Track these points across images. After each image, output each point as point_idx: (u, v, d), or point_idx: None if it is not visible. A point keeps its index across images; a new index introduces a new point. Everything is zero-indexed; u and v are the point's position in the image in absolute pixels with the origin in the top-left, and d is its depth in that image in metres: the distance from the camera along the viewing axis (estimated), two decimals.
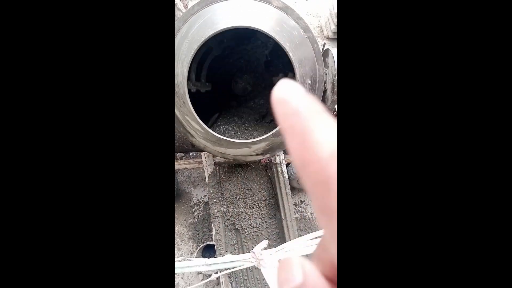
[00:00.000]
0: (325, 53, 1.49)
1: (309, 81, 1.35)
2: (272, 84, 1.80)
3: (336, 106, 1.96)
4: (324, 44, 1.67)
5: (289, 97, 0.16)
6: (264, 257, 1.01)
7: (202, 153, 1.90)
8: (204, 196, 2.30)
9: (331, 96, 1.50)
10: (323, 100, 1.57)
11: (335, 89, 1.45)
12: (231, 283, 1.72)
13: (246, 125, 1.78)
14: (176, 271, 1.05)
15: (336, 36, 3.16)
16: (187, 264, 1.04)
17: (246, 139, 1.70)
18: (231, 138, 1.70)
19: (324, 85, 1.47)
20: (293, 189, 2.16)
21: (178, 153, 2.41)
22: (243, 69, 1.80)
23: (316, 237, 1.06)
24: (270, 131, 1.71)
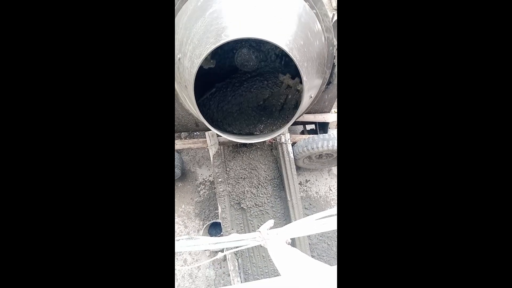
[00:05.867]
0: (336, 25, 1.39)
1: (317, 81, 1.27)
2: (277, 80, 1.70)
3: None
4: (334, 15, 1.56)
5: None
6: (270, 236, 1.01)
7: (206, 133, 1.87)
8: (209, 176, 2.31)
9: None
10: (331, 75, 1.50)
11: None
12: (237, 260, 1.77)
13: (249, 106, 1.71)
14: (183, 249, 1.06)
15: None
16: (194, 243, 1.05)
17: (248, 124, 1.65)
18: (234, 120, 1.65)
19: (334, 61, 1.39)
20: (298, 168, 2.15)
21: (182, 133, 2.39)
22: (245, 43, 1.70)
23: (323, 217, 1.05)
24: (271, 116, 1.66)
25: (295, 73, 1.52)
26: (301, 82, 1.11)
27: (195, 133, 2.39)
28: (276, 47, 1.09)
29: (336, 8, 3.03)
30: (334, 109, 1.99)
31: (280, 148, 1.85)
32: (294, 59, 1.03)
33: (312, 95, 1.40)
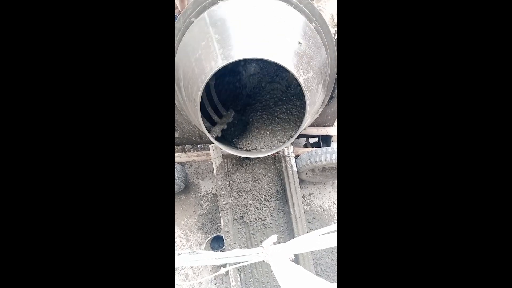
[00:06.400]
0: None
1: (320, 95, 1.30)
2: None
3: None
4: (336, 31, 1.59)
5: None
6: (273, 252, 1.00)
7: (210, 146, 1.88)
8: (212, 188, 2.30)
9: None
10: (334, 90, 1.51)
11: None
12: (240, 275, 1.74)
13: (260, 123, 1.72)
14: (185, 264, 1.05)
15: None
16: (196, 257, 1.04)
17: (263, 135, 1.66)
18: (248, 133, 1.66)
19: (336, 73, 1.41)
20: (301, 181, 2.14)
21: (186, 145, 2.40)
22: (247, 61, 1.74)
23: (327, 233, 1.04)
24: (280, 125, 1.67)
25: None
26: (304, 99, 1.12)
27: (198, 146, 2.41)
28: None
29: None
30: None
31: (283, 161, 1.85)
32: (295, 75, 1.05)
33: (315, 110, 1.42)
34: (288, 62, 1.04)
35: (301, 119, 1.59)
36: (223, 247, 1.83)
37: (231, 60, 0.99)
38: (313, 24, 1.25)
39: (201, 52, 1.08)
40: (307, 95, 1.09)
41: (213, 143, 1.29)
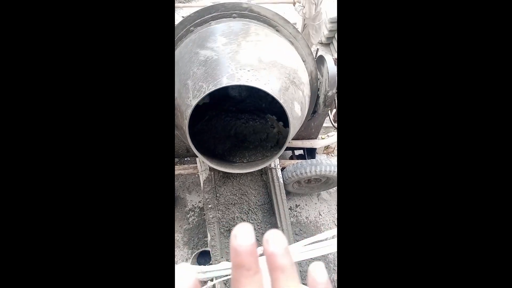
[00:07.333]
0: (320, 59, 1.50)
1: (302, 112, 1.37)
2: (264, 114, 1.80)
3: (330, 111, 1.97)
4: (318, 49, 1.69)
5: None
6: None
7: (197, 159, 1.89)
8: (199, 202, 2.29)
9: (323, 108, 1.51)
10: (316, 104, 1.58)
11: (327, 102, 1.46)
12: None
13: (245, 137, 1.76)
14: None
15: (328, 42, 3.21)
16: None
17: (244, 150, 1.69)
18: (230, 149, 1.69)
19: (318, 92, 1.48)
20: (288, 193, 2.17)
21: None
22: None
23: (312, 243, 1.06)
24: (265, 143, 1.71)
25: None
26: (287, 120, 1.17)
27: (185, 159, 2.40)
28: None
29: (320, 41, 3.25)
30: (321, 135, 2.07)
31: (270, 173, 1.88)
32: (278, 99, 1.09)
33: (297, 126, 1.48)
34: (271, 88, 1.09)
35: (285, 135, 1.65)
36: (210, 262, 1.81)
37: (215, 88, 1.04)
38: (294, 45, 1.32)
39: (189, 74, 1.12)
40: (288, 111, 1.14)
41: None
